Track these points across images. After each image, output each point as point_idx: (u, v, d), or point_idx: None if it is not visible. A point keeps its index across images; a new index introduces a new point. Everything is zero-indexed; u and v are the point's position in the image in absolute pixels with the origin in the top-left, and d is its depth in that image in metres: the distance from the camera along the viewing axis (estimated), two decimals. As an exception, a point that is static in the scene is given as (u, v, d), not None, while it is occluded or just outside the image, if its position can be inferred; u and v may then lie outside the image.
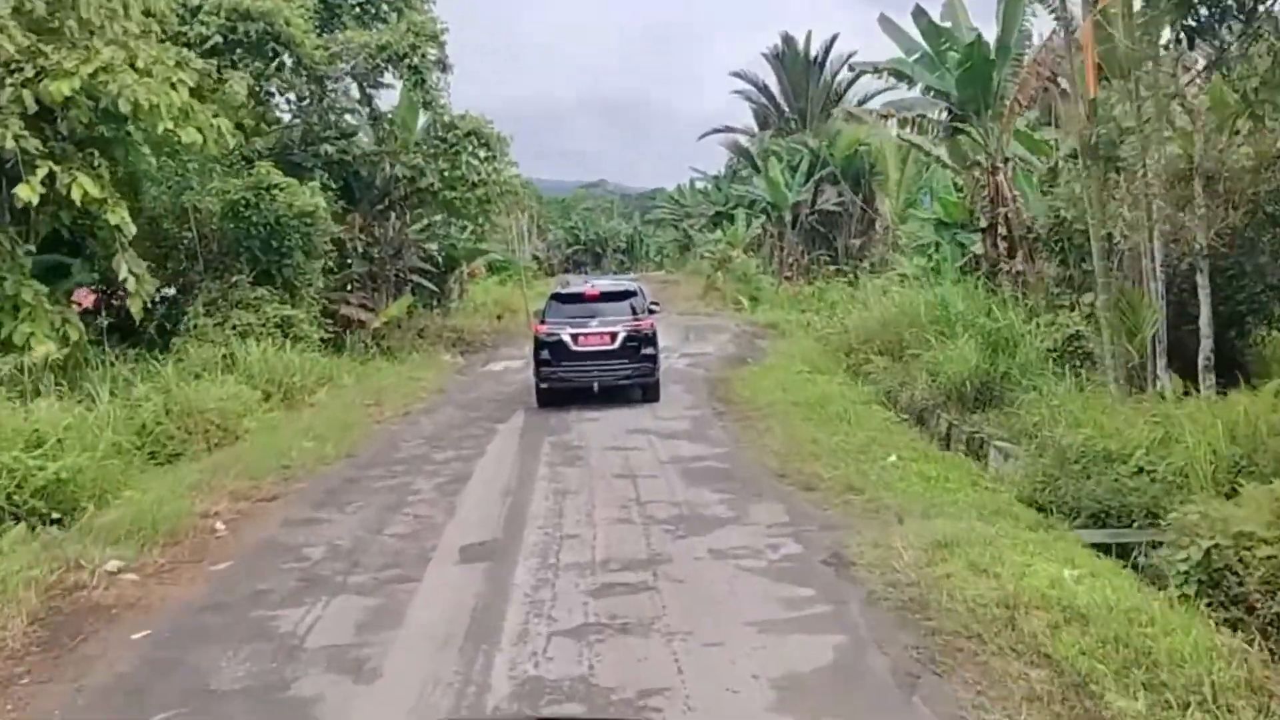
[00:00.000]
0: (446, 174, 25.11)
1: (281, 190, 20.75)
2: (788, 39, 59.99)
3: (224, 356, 18.06)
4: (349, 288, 26.88)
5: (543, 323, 17.67)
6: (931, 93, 20.26)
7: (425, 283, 30.52)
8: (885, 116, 20.44)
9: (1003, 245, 19.43)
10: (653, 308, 19.26)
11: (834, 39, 58.85)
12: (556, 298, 18.64)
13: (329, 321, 22.61)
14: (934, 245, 30.68)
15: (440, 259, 32.46)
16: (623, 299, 17.99)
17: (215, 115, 17.29)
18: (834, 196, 47.28)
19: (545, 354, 17.24)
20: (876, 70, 19.82)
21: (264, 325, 20.22)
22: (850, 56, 58.68)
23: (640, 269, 79.44)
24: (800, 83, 60.00)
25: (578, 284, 21.41)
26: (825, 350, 24.35)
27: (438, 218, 31.02)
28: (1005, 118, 19.57)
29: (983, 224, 20.03)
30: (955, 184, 31.35)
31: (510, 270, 41.33)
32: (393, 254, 27.50)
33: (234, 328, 19.94)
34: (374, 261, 27.60)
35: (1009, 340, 15.82)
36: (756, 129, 62.68)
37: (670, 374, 20.70)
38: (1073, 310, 17.20)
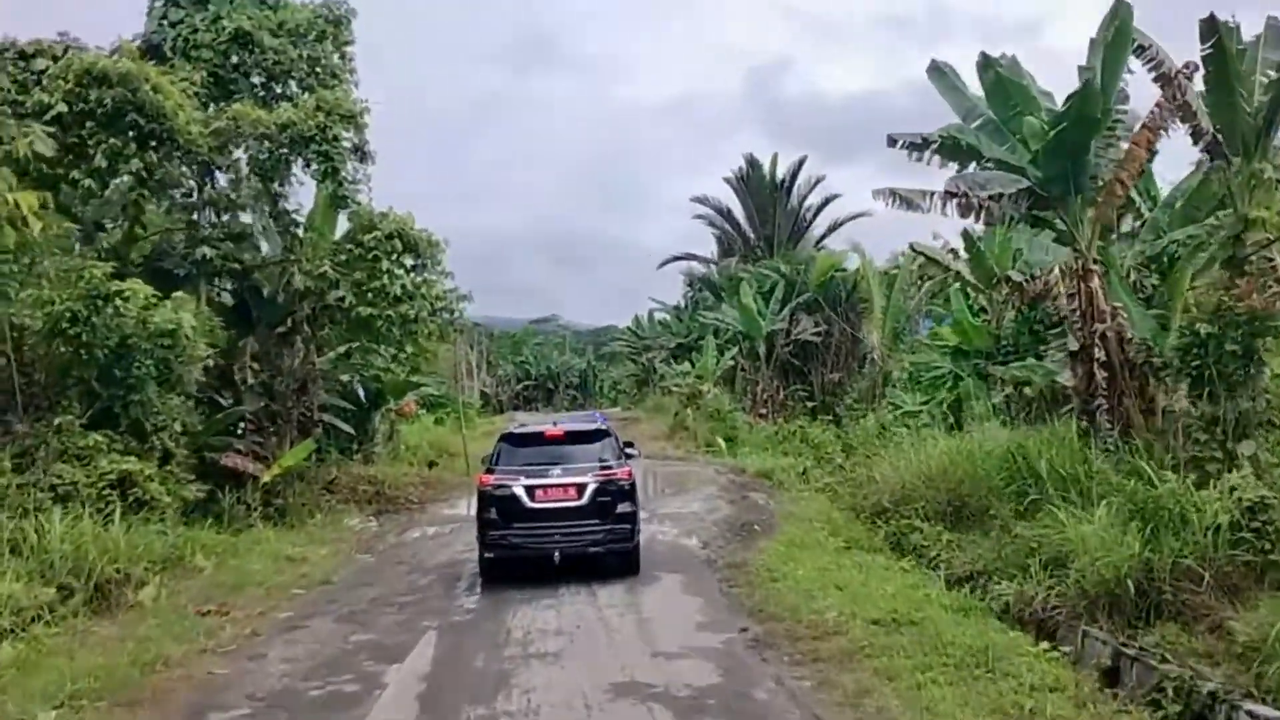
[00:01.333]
0: (363, 286, 19.86)
1: (125, 301, 15.38)
2: (752, 162, 56.60)
3: (11, 533, 12.45)
4: (239, 431, 21.28)
5: (490, 472, 14.00)
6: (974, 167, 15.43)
7: (340, 423, 24.93)
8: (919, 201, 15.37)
9: (1101, 375, 14.43)
10: (629, 452, 15.17)
11: (802, 161, 55.68)
12: (509, 439, 14.64)
13: (193, 480, 16.94)
14: (950, 378, 25.84)
15: (361, 394, 26.97)
16: (593, 440, 14.43)
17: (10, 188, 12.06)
18: (811, 326, 42.78)
19: (493, 513, 13.62)
20: (922, 144, 15.02)
21: (93, 484, 14.64)
22: (818, 182, 55.80)
23: (595, 405, 74.49)
24: (766, 207, 56.39)
25: (535, 423, 16.77)
26: (845, 511, 19.10)
27: (357, 344, 25.65)
28: (1102, 203, 14.80)
29: (1072, 346, 15.04)
30: (972, 307, 26.79)
31: (450, 407, 35.83)
32: (296, 388, 21.99)
33: (51, 488, 14.39)
34: (273, 398, 22.09)
35: (1169, 514, 10.62)
36: (720, 256, 58.84)
37: (656, 553, 15.36)
38: (1227, 464, 12.16)
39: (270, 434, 21.90)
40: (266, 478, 19.50)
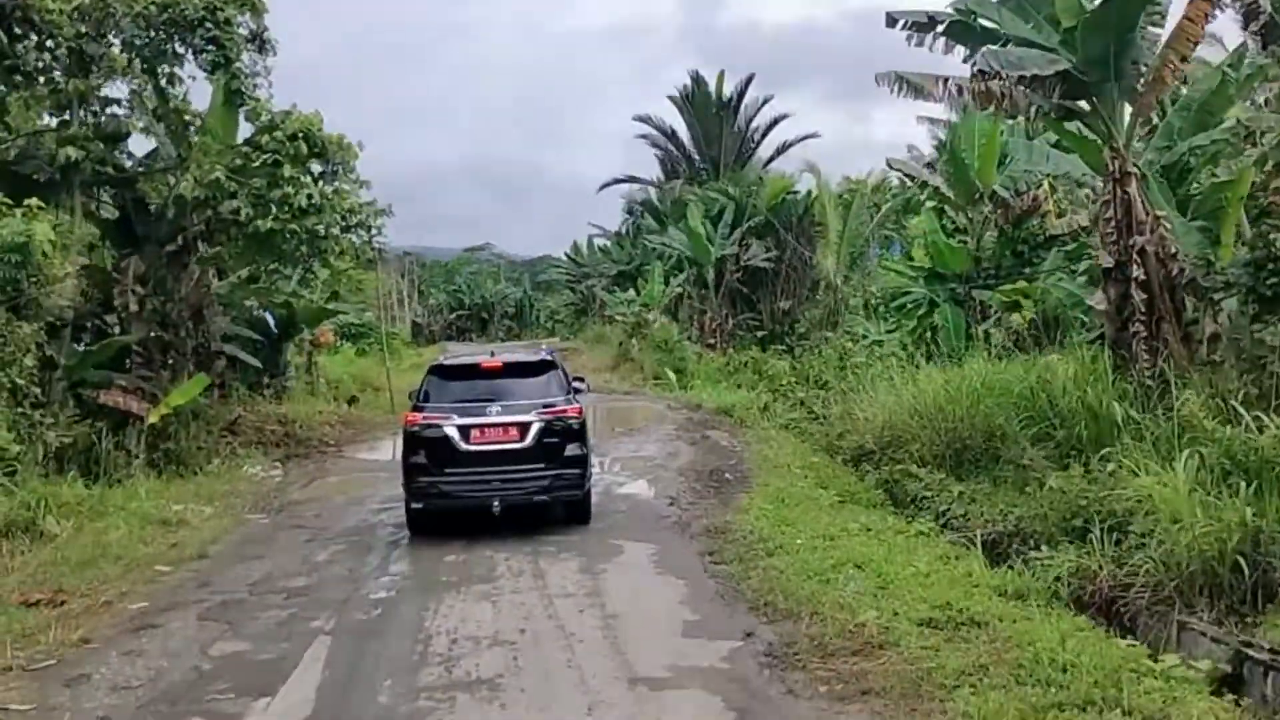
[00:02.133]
0: (263, 197, 16.97)
1: (-47, 207, 12.50)
2: (698, 79, 53.71)
3: None
4: (127, 365, 18.44)
5: (418, 409, 12.20)
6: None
7: (244, 355, 22.08)
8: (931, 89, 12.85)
9: (1139, 296, 12.22)
10: (578, 386, 13.33)
11: (749, 80, 53.02)
12: (439, 371, 12.85)
13: (55, 424, 14.20)
14: (924, 304, 23.66)
15: (271, 322, 24.08)
16: (536, 373, 12.60)
17: None
18: (762, 251, 40.39)
19: (421, 456, 11.85)
20: (928, 23, 12.56)
21: (-84, 432, 11.92)
22: (766, 102, 53.19)
23: (531, 336, 71.84)
24: (712, 128, 53.68)
25: (469, 354, 14.58)
26: (819, 453, 16.90)
27: (271, 265, 22.74)
28: (1145, 92, 12.47)
29: (1104, 263, 12.78)
30: (946, 226, 24.56)
31: (374, 337, 32.96)
32: (190, 315, 19.11)
33: None
34: (165, 326, 19.23)
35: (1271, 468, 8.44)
36: (663, 180, 56.09)
37: (614, 511, 13.02)
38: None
39: (161, 368, 19.08)
40: (153, 418, 16.74)
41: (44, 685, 7.21)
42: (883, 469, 14.08)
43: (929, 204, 25.28)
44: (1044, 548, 9.47)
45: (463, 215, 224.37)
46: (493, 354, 13.21)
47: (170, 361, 19.33)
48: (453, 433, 11.64)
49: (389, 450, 18.83)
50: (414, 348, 62.10)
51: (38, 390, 13.99)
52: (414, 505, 11.89)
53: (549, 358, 13.18)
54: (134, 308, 17.69)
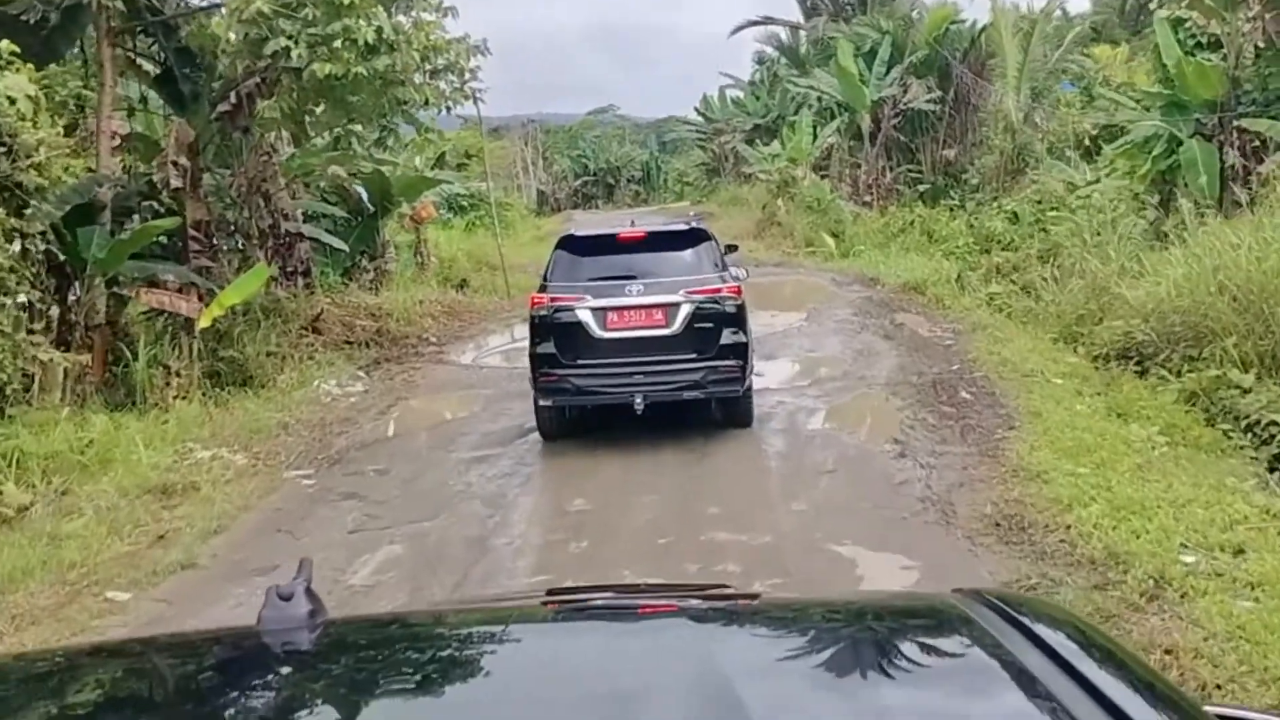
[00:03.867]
0: (318, 35, 13.15)
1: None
2: (842, -101, 47.26)
3: None
4: (184, 255, 15.20)
5: (544, 289, 10.86)
6: None
7: (328, 237, 18.62)
8: None
9: None
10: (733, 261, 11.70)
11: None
12: (569, 245, 11.32)
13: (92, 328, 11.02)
14: (1161, 142, 18.65)
15: (364, 197, 20.56)
16: (685, 245, 11.10)
17: None
18: (924, 92, 35.03)
19: (549, 345, 10.51)
20: None
21: None
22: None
23: (659, 200, 67.66)
24: (859, -45, 47.52)
25: (599, 224, 12.84)
26: (1062, 344, 12.64)
27: (357, 128, 19.14)
28: None
29: None
30: (1186, 42, 19.33)
31: (484, 210, 29.27)
32: (253, 190, 15.66)
33: None
34: (225, 205, 15.91)
35: None
36: (803, 19, 50.28)
37: (813, 470, 9.03)
38: None
39: (225, 256, 15.87)
40: (204, 321, 13.47)
41: None
42: (1185, 375, 9.77)
43: (1161, 12, 19.94)
44: None
45: (585, 80, 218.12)
46: (632, 222, 11.60)
47: (236, 248, 16.10)
48: (586, 317, 10.31)
49: (499, 351, 15.30)
50: (537, 218, 58.64)
51: (25, 295, 10.68)
52: (543, 402, 10.60)
53: (698, 226, 11.40)
54: (175, 183, 14.23)
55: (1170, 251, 12.93)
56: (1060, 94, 33.91)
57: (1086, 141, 25.36)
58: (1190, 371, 9.72)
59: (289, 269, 17.46)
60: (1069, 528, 6.65)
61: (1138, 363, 10.87)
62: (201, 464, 9.55)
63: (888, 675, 1.63)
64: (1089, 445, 8.25)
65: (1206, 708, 1.80)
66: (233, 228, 16.32)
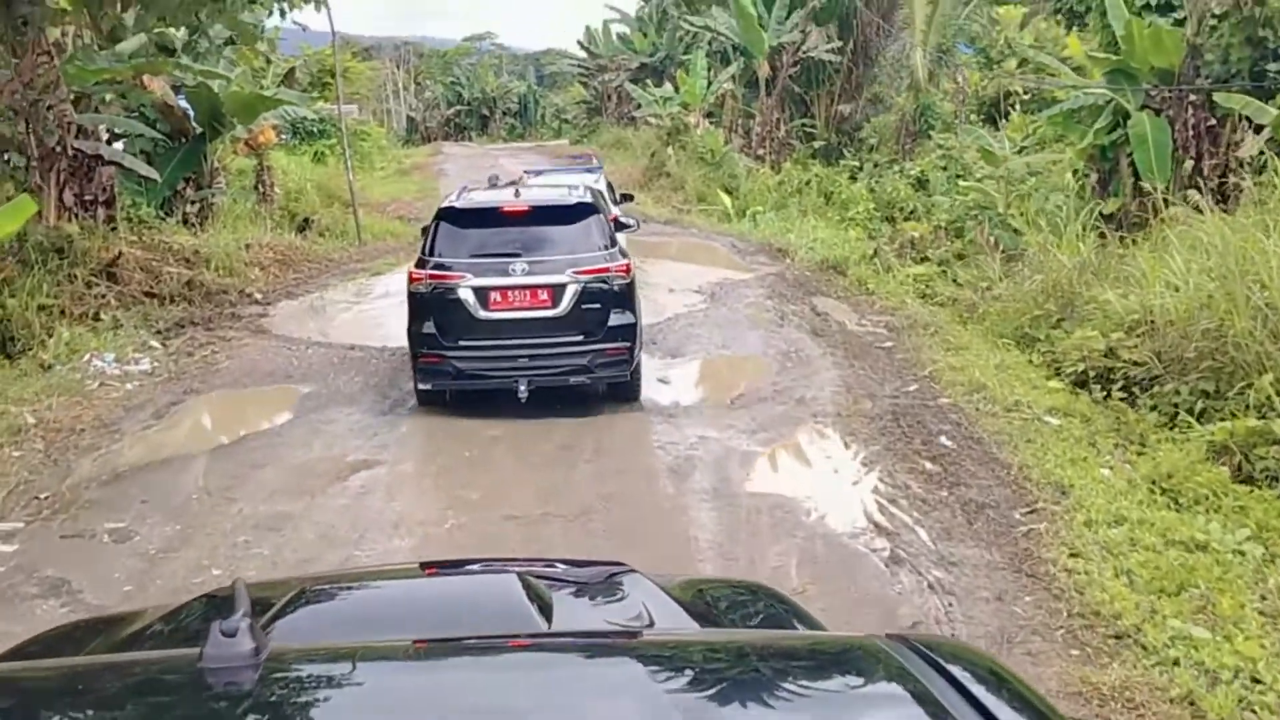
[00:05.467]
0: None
1: None
2: None
3: None
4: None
5: (423, 264, 10.07)
6: None
7: (136, 163, 15.24)
8: None
9: None
10: (624, 221, 12.09)
11: None
12: (450, 216, 10.35)
13: None
14: (1105, 113, 16.84)
15: (190, 114, 17.22)
16: (573, 220, 10.28)
17: None
18: (824, 42, 32.89)
19: (430, 325, 9.86)
20: None
21: None
22: None
23: (536, 136, 64.47)
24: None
25: (482, 193, 11.08)
26: (1013, 355, 10.61)
27: (179, 32, 15.83)
28: None
29: None
30: (1134, 2, 17.52)
31: (332, 137, 25.85)
32: (30, 102, 12.40)
33: None
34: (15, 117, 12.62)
35: None
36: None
37: (777, 582, 6.66)
38: None
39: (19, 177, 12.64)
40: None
41: None
42: (1203, 418, 7.72)
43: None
44: None
45: (463, 3, 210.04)
46: (517, 193, 10.78)
47: (8, 172, 12.86)
48: (467, 296, 9.89)
49: (342, 314, 12.52)
50: (404, 147, 54.88)
51: None
52: (422, 387, 10.24)
53: (587, 198, 10.60)
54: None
55: (1140, 246, 11.03)
56: (959, 55, 32.29)
57: (989, 106, 23.60)
58: (1212, 411, 7.71)
59: (86, 197, 14.27)
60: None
61: (1123, 388, 8.86)
62: None
63: (805, 713, 1.69)
64: (1167, 568, 5.64)
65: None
66: (23, 143, 13.05)
